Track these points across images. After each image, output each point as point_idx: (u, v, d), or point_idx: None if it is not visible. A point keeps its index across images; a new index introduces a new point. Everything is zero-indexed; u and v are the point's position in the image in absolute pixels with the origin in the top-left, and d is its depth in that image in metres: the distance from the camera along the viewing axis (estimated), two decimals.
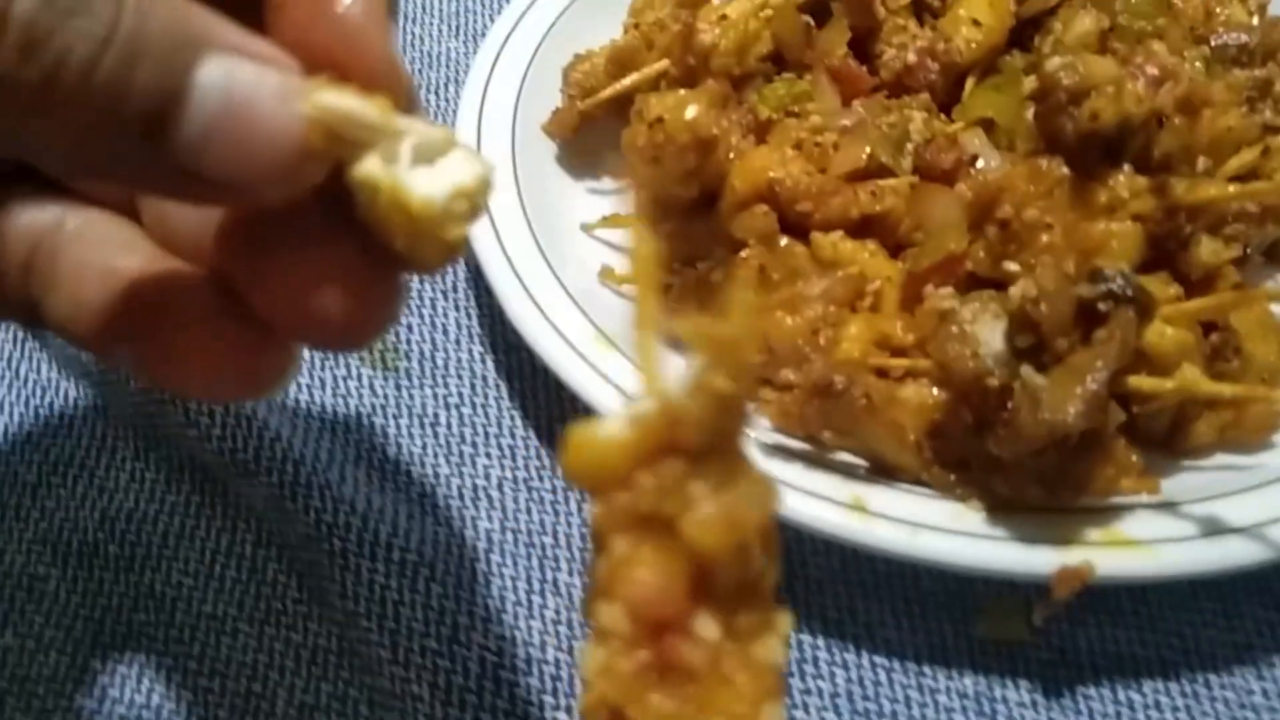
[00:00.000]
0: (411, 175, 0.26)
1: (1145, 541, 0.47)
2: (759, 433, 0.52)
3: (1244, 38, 0.64)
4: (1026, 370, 0.45)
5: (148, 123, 0.24)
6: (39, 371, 0.60)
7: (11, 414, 0.59)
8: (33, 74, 0.23)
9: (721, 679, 0.23)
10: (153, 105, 0.24)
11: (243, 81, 0.25)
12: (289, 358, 0.31)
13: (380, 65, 0.27)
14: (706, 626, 0.23)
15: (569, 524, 0.55)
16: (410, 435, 0.58)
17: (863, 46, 0.64)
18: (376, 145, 0.26)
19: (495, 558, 0.54)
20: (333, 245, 0.28)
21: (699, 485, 0.23)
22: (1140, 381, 0.47)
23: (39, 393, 0.59)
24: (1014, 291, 0.46)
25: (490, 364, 0.61)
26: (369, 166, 0.26)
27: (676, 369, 0.24)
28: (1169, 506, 0.49)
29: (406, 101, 0.29)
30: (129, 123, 0.24)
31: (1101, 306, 0.46)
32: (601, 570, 0.24)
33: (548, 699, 0.50)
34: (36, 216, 0.33)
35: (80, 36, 0.23)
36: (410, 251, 0.27)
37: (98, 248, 0.32)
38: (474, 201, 0.27)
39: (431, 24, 0.78)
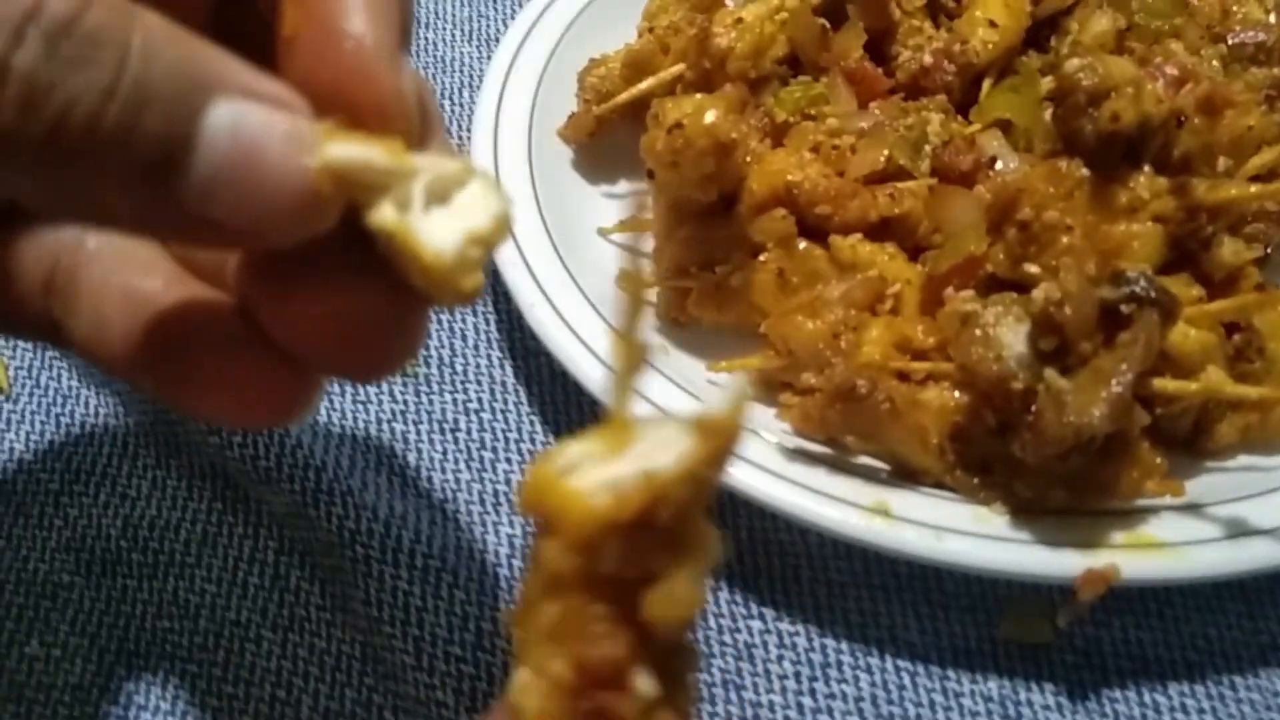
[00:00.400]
0: (424, 223, 0.26)
1: (1171, 544, 0.47)
2: (780, 437, 0.52)
3: (1261, 36, 0.63)
4: (1050, 373, 0.45)
5: (154, 170, 0.24)
6: (60, 380, 0.60)
7: (33, 422, 0.59)
8: (35, 129, 0.22)
9: None
10: (159, 153, 0.23)
11: (251, 126, 0.24)
12: (315, 386, 0.31)
13: (391, 100, 0.27)
14: (646, 684, 0.24)
15: None
16: (431, 441, 0.58)
17: (878, 48, 0.64)
18: (390, 187, 0.26)
19: (518, 563, 0.54)
20: (355, 279, 0.28)
21: (662, 558, 0.24)
22: (1165, 384, 0.47)
23: (60, 401, 0.60)
24: (1037, 294, 0.46)
25: (510, 369, 0.61)
26: (381, 214, 0.26)
27: (663, 436, 0.23)
28: (1194, 508, 0.49)
29: (425, 131, 0.29)
30: (135, 171, 0.23)
31: (1124, 309, 0.46)
32: (541, 606, 0.24)
33: None
34: (57, 236, 0.33)
35: (84, 88, 0.22)
36: (429, 293, 0.27)
37: (119, 268, 0.32)
38: (489, 244, 0.26)
39: (445, 29, 0.78)
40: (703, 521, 0.25)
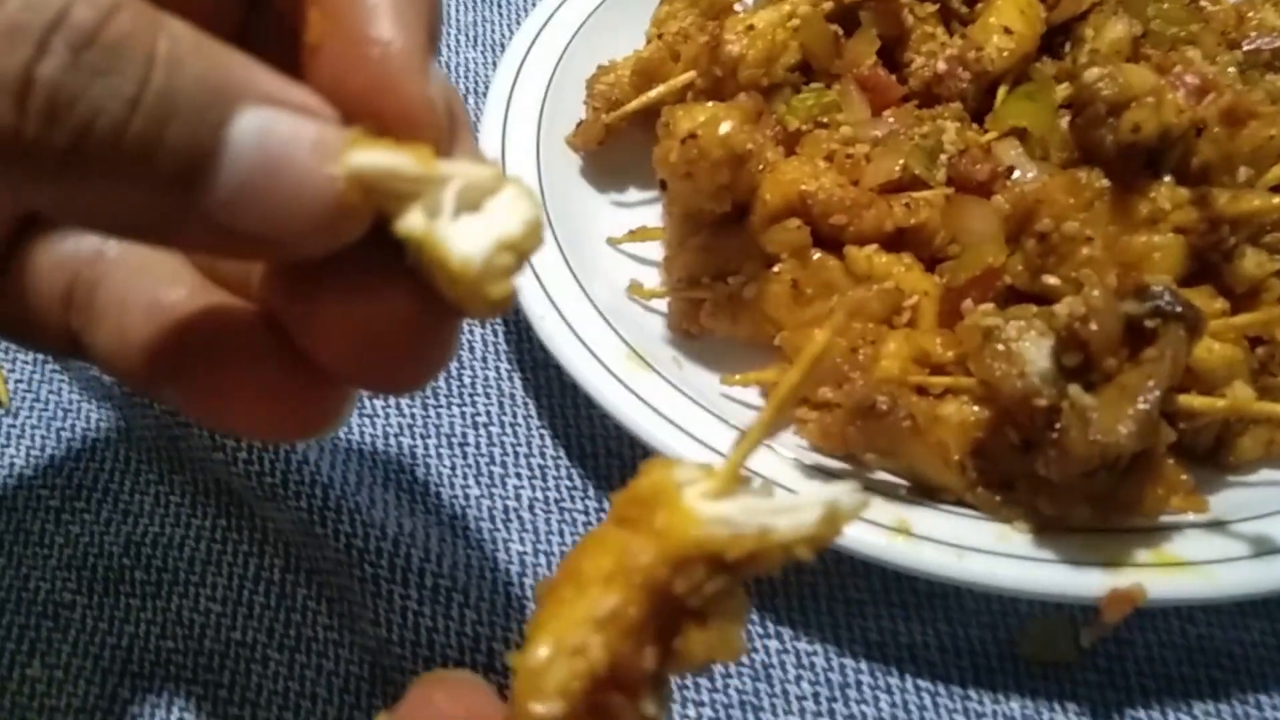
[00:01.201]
0: (453, 229, 0.25)
1: (1196, 562, 0.47)
2: (798, 452, 0.51)
3: (1277, 42, 0.63)
4: (1075, 390, 0.44)
5: (180, 181, 0.23)
6: (61, 394, 0.59)
7: (34, 437, 0.58)
8: (59, 139, 0.22)
9: None
10: (185, 163, 0.23)
11: (279, 136, 0.24)
12: (343, 399, 0.30)
13: (419, 108, 0.26)
14: (652, 706, 0.25)
15: None
16: (439, 456, 0.57)
17: (891, 55, 0.64)
18: (420, 195, 0.25)
19: (529, 581, 0.53)
20: (383, 289, 0.27)
21: (719, 604, 0.25)
22: (1191, 400, 0.46)
23: (61, 415, 0.59)
24: (1061, 309, 0.45)
25: (518, 382, 0.60)
26: (410, 222, 0.25)
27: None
28: (1218, 525, 0.48)
29: (453, 137, 0.28)
30: (160, 182, 0.23)
31: (1149, 323, 0.45)
32: (595, 591, 0.25)
33: None
34: (76, 246, 0.32)
35: (109, 97, 0.22)
36: (458, 302, 0.26)
37: (141, 279, 0.31)
38: (521, 250, 0.26)
39: (450, 34, 0.77)
40: (745, 586, 0.26)
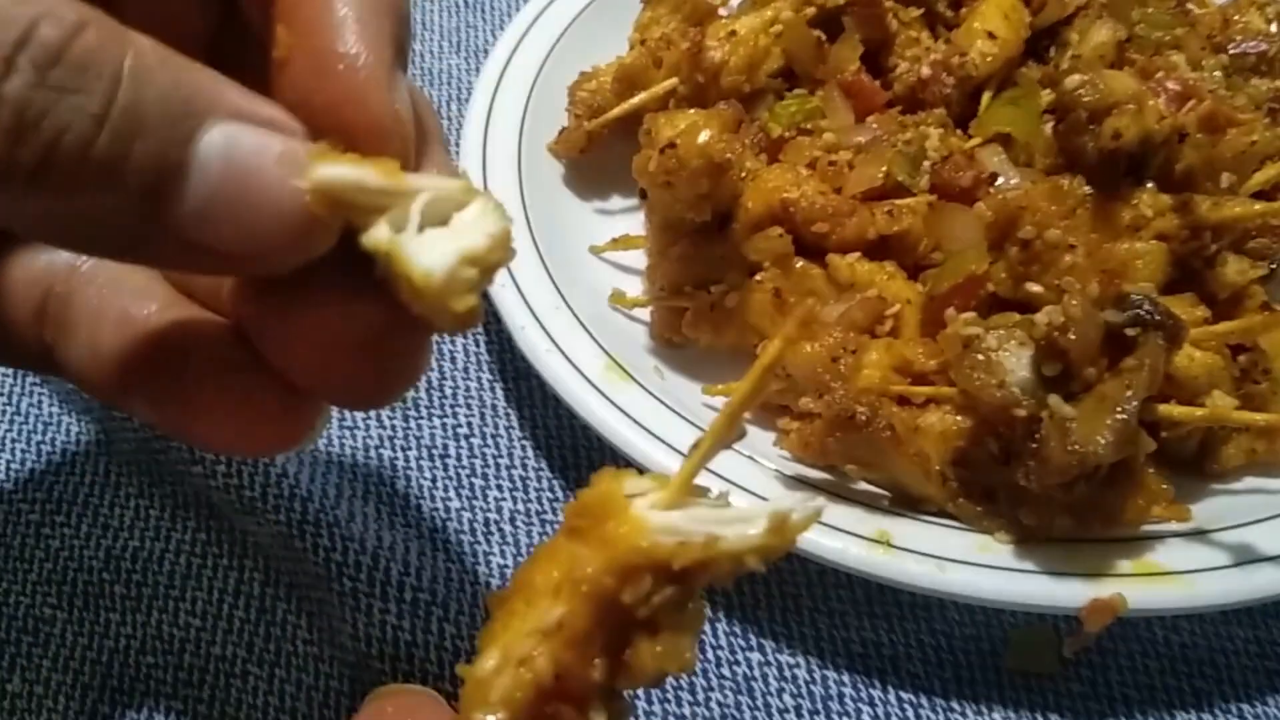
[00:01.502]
0: (417, 243, 0.25)
1: (1179, 572, 0.46)
2: (779, 463, 0.51)
3: (1263, 46, 0.62)
4: (1055, 400, 0.44)
5: (148, 196, 0.23)
6: (41, 407, 0.59)
7: (13, 451, 0.58)
8: (27, 157, 0.22)
9: None
10: (152, 178, 0.23)
11: (245, 149, 0.24)
12: (316, 413, 0.30)
13: (385, 121, 0.26)
14: (598, 718, 0.25)
15: None
16: (419, 468, 0.57)
17: (875, 61, 0.63)
18: (387, 208, 0.25)
19: None
20: (353, 304, 0.27)
21: (668, 616, 0.25)
22: (1171, 410, 0.46)
23: (41, 428, 0.58)
24: (1040, 318, 0.45)
25: (500, 392, 0.60)
26: (375, 235, 0.25)
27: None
28: (1201, 535, 0.48)
29: (423, 149, 0.28)
30: (128, 197, 0.23)
31: (1129, 332, 0.45)
32: (544, 602, 0.25)
33: None
34: (49, 261, 0.32)
35: (75, 115, 0.22)
36: (425, 316, 0.26)
37: (112, 293, 0.31)
38: (485, 264, 0.25)
39: (432, 40, 0.77)
40: (702, 597, 0.26)
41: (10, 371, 0.60)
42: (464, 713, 0.25)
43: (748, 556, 0.25)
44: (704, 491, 0.26)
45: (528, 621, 0.25)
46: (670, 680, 0.49)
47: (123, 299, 0.31)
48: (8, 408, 0.59)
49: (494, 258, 0.26)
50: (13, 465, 0.57)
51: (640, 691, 0.49)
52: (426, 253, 0.25)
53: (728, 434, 0.27)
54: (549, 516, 0.55)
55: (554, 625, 0.25)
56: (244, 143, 0.24)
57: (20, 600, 0.53)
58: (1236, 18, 0.64)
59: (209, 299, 0.32)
